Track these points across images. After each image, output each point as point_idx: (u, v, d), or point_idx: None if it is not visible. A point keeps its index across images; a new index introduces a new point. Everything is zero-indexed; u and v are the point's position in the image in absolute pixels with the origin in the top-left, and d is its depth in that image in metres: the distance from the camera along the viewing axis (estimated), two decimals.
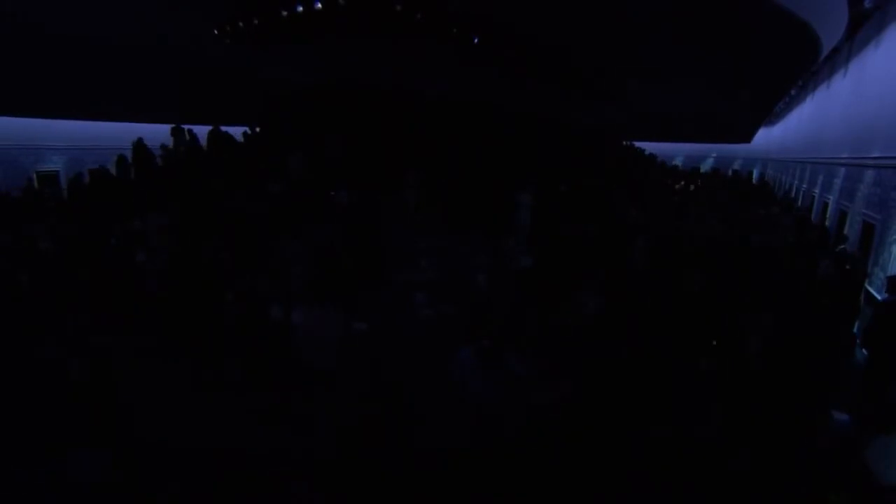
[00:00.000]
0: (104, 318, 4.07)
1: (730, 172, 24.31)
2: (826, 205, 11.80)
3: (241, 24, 9.55)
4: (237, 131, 10.80)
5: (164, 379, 3.48)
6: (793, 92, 17.95)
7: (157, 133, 10.18)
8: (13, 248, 5.54)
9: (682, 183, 16.21)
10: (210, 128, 10.10)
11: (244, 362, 3.71)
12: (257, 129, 10.71)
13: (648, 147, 20.53)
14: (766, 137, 26.60)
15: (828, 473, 2.93)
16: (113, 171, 8.78)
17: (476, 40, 10.29)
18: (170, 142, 9.60)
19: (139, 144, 9.33)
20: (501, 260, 5.24)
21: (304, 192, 6.77)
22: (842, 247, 8.09)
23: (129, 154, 9.18)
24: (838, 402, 3.66)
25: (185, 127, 9.84)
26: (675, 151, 28.02)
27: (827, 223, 10.99)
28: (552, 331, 3.73)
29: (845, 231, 9.16)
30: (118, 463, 2.96)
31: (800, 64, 12.86)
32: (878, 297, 6.81)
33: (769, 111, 21.87)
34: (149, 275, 4.75)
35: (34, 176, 13.76)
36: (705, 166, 28.76)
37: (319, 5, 8.65)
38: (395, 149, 8.97)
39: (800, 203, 15.03)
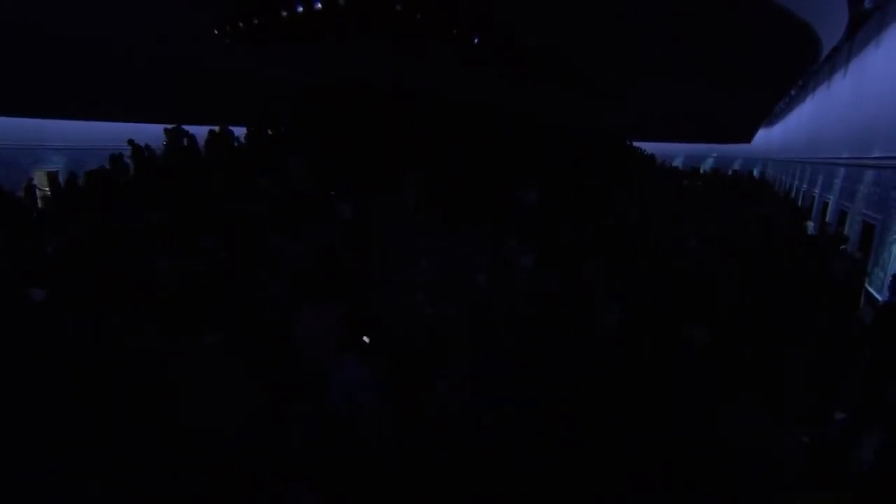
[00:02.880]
0: (103, 316, 4.07)
1: (730, 172, 24.35)
2: (826, 205, 11.80)
3: (241, 24, 9.54)
4: (237, 131, 10.79)
5: (161, 378, 3.47)
6: (793, 92, 17.95)
7: (158, 133, 10.19)
8: (13, 246, 5.54)
9: (685, 182, 16.25)
10: (209, 128, 10.11)
11: (244, 360, 3.71)
12: (252, 129, 10.69)
13: (648, 147, 20.54)
14: (766, 137, 26.62)
15: (819, 472, 2.92)
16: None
17: (476, 40, 10.29)
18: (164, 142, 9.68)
19: (136, 146, 9.37)
20: (503, 259, 5.24)
21: (304, 193, 6.77)
22: (842, 247, 8.09)
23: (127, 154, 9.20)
24: (838, 401, 3.66)
25: (184, 127, 9.87)
26: (675, 151, 28.04)
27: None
28: (569, 341, 3.73)
29: (845, 231, 9.16)
30: (116, 462, 2.96)
31: (800, 64, 12.86)
32: (878, 297, 6.81)
33: (769, 111, 21.88)
34: (147, 273, 4.74)
35: (34, 175, 13.75)
36: (705, 166, 28.78)
37: (319, 5, 8.65)
38: (395, 149, 8.96)
39: (800, 203, 15.04)
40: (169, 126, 10.03)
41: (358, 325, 3.98)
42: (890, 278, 5.34)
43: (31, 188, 11.64)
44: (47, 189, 12.38)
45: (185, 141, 9.75)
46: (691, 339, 3.66)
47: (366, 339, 3.85)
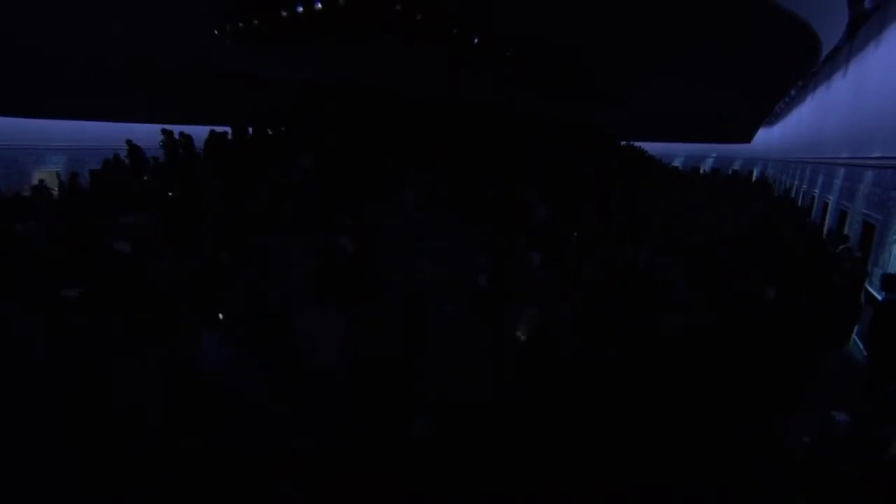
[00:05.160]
0: (99, 317, 4.05)
1: (730, 172, 24.38)
2: (826, 205, 11.80)
3: (241, 24, 9.55)
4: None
5: (156, 377, 3.46)
6: (793, 92, 17.95)
7: (157, 133, 10.19)
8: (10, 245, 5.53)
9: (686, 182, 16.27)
10: (211, 128, 10.11)
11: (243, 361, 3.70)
12: (249, 130, 10.69)
13: (648, 147, 20.54)
14: (766, 137, 26.60)
15: (817, 474, 2.91)
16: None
17: (476, 41, 10.30)
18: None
19: (135, 146, 9.38)
20: (510, 258, 5.20)
21: (305, 193, 6.77)
22: (843, 246, 8.10)
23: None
24: (839, 401, 3.66)
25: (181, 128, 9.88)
26: (675, 151, 28.05)
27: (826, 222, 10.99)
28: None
29: (845, 231, 9.16)
30: (105, 460, 2.95)
31: (800, 64, 12.86)
32: (879, 297, 6.81)
33: (769, 111, 21.88)
34: (147, 273, 4.73)
35: (39, 175, 13.73)
36: (705, 166, 28.80)
37: (319, 5, 8.65)
38: (395, 149, 8.96)
39: (800, 203, 15.04)
40: (167, 127, 10.05)
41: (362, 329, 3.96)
42: (882, 279, 5.35)
43: (41, 188, 11.58)
44: (56, 189, 12.36)
45: (180, 142, 9.76)
46: (760, 295, 3.61)
47: (220, 315, 3.71)
